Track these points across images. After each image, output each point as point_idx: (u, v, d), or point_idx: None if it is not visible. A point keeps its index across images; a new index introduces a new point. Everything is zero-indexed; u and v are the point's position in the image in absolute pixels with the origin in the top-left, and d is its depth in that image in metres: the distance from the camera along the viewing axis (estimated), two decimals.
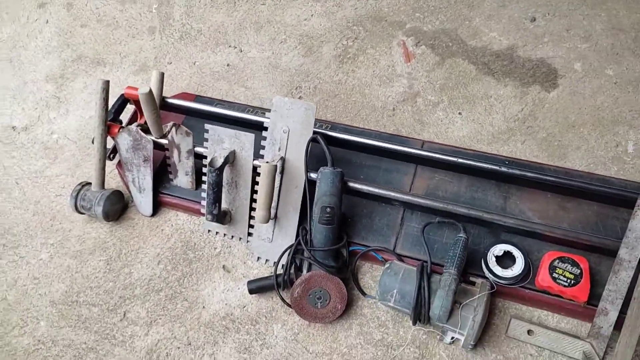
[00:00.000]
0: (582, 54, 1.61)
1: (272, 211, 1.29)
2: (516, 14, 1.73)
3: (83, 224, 1.47)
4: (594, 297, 1.13)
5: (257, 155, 1.30)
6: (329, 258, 1.23)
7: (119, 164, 1.50)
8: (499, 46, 1.67)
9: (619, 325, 1.10)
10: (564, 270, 1.14)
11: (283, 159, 1.28)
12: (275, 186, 1.27)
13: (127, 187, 1.47)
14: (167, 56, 1.81)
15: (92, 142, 1.43)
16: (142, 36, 1.88)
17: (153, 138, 1.36)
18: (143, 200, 1.45)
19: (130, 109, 1.49)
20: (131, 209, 1.49)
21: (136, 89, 1.44)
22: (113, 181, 1.53)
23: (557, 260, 1.15)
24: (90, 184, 1.44)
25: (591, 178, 1.30)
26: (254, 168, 1.30)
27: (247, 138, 1.28)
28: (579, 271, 1.14)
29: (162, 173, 1.46)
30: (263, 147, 1.30)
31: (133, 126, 1.37)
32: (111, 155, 1.46)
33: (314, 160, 1.28)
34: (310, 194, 1.26)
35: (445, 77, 1.63)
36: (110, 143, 1.42)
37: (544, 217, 1.27)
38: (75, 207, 1.41)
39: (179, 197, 1.44)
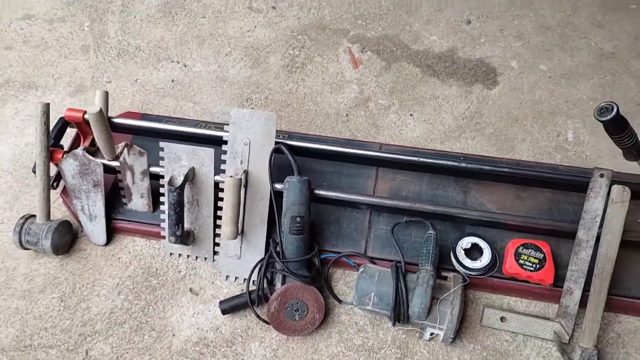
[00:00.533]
0: (516, 52, 1.71)
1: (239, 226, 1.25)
2: (452, 17, 1.81)
3: (29, 261, 1.36)
4: (558, 279, 1.19)
5: (217, 171, 1.26)
6: (302, 268, 1.21)
7: (64, 192, 1.40)
8: (440, 49, 1.74)
9: (583, 302, 1.16)
10: (529, 255, 1.20)
11: (246, 172, 1.24)
12: (240, 200, 1.23)
13: (75, 216, 1.38)
14: (105, 75, 1.72)
15: (33, 171, 1.33)
16: (76, 56, 1.77)
17: (103, 161, 1.28)
18: (95, 228, 1.35)
19: (69, 133, 1.40)
20: (81, 239, 1.39)
21: (78, 110, 1.36)
22: (57, 211, 1.42)
23: (521, 247, 1.20)
24: (34, 216, 1.32)
25: (540, 167, 1.38)
26: (216, 184, 1.26)
27: (206, 153, 1.23)
28: (542, 255, 1.19)
29: (112, 198, 1.37)
30: (223, 162, 1.26)
31: (79, 150, 1.28)
32: (54, 184, 1.36)
33: (276, 171, 1.26)
34: (277, 205, 1.23)
35: (394, 80, 1.67)
36: (52, 170, 1.32)
37: (502, 207, 1.32)
38: (20, 243, 1.29)
39: (135, 222, 1.36)
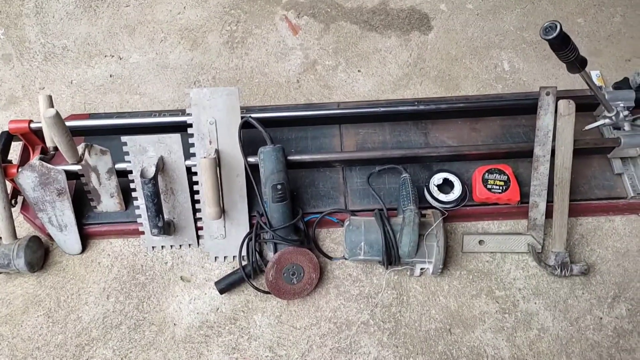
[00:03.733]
0: None
1: None
2: None
3: (1, 285, 1.29)
4: (523, 196, 1.29)
5: (186, 156, 1.24)
6: (291, 233, 1.24)
7: (24, 208, 1.33)
8: (372, 3, 1.78)
9: (549, 213, 1.28)
10: (495, 180, 1.29)
11: (217, 151, 1.24)
12: (218, 179, 1.23)
13: (42, 230, 1.32)
14: (37, 81, 1.62)
15: None
16: None
17: (64, 167, 1.23)
18: (67, 238, 1.30)
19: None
20: (53, 252, 1.33)
21: (23, 121, 1.30)
22: (19, 229, 1.35)
23: (487, 173, 1.30)
24: None
25: (487, 98, 1.47)
26: (188, 169, 1.25)
27: (173, 140, 1.21)
28: (506, 177, 1.29)
29: (78, 203, 1.32)
30: (192, 145, 1.25)
31: (35, 160, 1.22)
32: (13, 201, 1.29)
33: (245, 145, 1.26)
34: (255, 178, 1.24)
35: (335, 40, 1.69)
36: None
37: (461, 141, 1.40)
38: None
39: (108, 223, 1.32)
